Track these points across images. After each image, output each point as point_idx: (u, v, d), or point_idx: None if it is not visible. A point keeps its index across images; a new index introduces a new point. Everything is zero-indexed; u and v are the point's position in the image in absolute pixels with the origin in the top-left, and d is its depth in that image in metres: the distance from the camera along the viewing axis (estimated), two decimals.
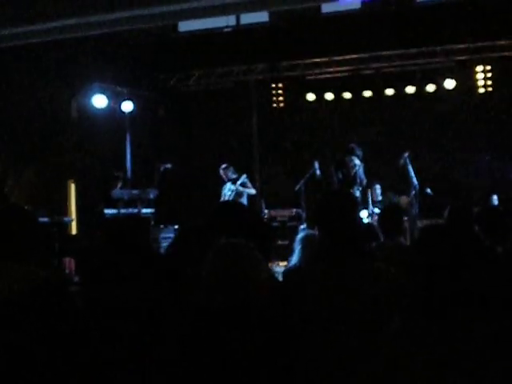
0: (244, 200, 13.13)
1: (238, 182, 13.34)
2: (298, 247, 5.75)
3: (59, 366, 3.22)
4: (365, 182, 12.58)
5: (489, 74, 15.19)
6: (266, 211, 14.17)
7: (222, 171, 13.54)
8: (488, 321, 2.30)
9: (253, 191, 13.59)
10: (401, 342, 2.40)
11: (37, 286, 3.26)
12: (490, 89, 15.19)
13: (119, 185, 13.60)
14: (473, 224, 5.29)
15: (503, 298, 2.44)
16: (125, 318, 3.68)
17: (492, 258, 2.63)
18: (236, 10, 11.85)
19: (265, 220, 4.39)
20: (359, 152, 12.71)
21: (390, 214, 5.89)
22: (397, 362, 2.36)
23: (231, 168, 13.58)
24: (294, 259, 5.78)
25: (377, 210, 12.72)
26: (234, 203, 6.48)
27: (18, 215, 3.53)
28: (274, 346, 2.81)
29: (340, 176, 12.63)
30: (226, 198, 13.30)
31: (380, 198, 13.47)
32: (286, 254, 8.63)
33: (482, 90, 15.27)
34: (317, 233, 6.10)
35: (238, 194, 13.27)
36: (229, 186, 13.47)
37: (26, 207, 3.84)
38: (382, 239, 5.85)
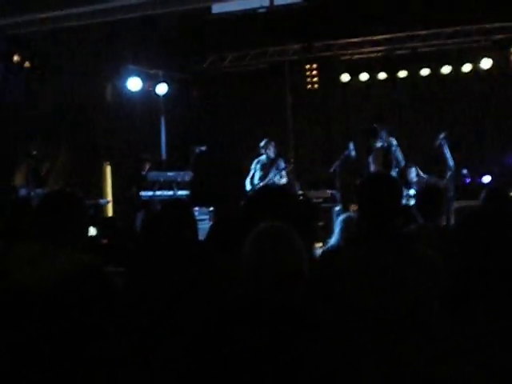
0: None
1: (277, 176, 13.23)
2: (337, 228, 5.76)
3: (104, 346, 3.27)
4: (403, 163, 12.47)
5: None
6: (300, 192, 14.15)
7: (271, 147, 13.39)
8: None
9: (284, 180, 13.43)
10: (439, 331, 2.38)
11: (83, 270, 3.30)
12: None
13: (147, 167, 13.65)
14: (509, 206, 5.25)
15: None
16: (161, 302, 3.71)
17: None
18: None
19: (310, 203, 4.35)
20: (384, 133, 12.57)
21: (429, 195, 5.81)
22: (435, 351, 2.35)
23: (273, 143, 13.48)
24: (333, 240, 5.78)
25: (412, 192, 12.64)
26: (277, 186, 6.48)
27: (70, 200, 3.56)
28: (309, 332, 2.79)
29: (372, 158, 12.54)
30: (257, 175, 13.19)
31: (415, 179, 13.37)
32: (321, 235, 8.63)
33: None
34: (356, 215, 6.11)
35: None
36: (263, 159, 13.38)
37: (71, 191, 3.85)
38: (418, 221, 5.81)
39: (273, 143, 13.43)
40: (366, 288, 3.28)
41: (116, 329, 3.39)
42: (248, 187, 13.43)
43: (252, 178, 13.39)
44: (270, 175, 13.16)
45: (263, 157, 13.40)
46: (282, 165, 13.32)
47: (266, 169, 13.32)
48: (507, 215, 2.38)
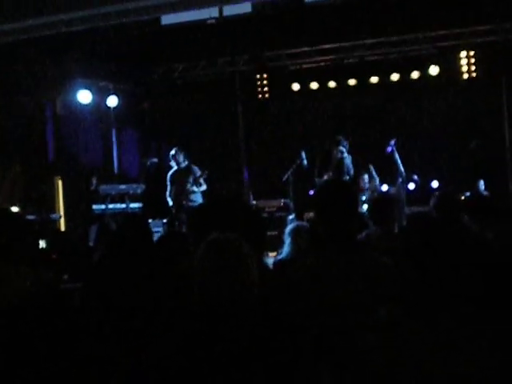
0: (198, 197, 12.61)
1: (201, 184, 12.75)
2: (288, 239, 5.77)
3: (64, 362, 3.24)
4: (352, 171, 12.58)
5: (472, 60, 15.23)
6: (253, 202, 14.15)
7: (181, 156, 12.79)
8: (476, 311, 2.30)
9: (204, 188, 12.88)
10: (388, 332, 2.40)
11: (39, 286, 3.27)
12: (473, 74, 15.24)
13: (95, 181, 13.55)
14: (460, 211, 5.32)
15: (491, 284, 2.45)
16: (122, 315, 3.68)
17: (480, 243, 2.64)
18: (219, 1, 11.84)
19: (258, 212, 4.28)
20: (345, 143, 12.63)
21: (380, 204, 5.91)
22: (384, 353, 2.37)
23: (182, 153, 12.92)
24: (285, 251, 5.80)
25: (364, 198, 12.76)
26: (227, 197, 6.46)
27: (7, 218, 3.52)
28: (267, 339, 2.81)
29: (325, 167, 12.59)
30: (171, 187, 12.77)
31: (367, 186, 13.49)
32: (274, 245, 8.66)
33: (465, 76, 15.31)
34: (306, 223, 6.15)
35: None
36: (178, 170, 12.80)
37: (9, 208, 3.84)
38: (370, 227, 5.87)
39: (183, 152, 12.87)
40: (322, 296, 3.29)
41: (76, 345, 3.35)
42: (170, 203, 12.77)
43: (170, 191, 12.78)
44: (188, 186, 12.63)
45: (174, 167, 12.83)
46: (198, 172, 12.74)
47: (181, 179, 12.72)
48: (456, 220, 2.41)
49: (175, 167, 12.82)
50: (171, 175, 12.84)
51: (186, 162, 12.88)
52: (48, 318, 3.23)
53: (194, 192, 12.62)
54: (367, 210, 6.53)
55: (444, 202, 5.58)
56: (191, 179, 12.66)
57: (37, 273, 3.37)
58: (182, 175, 12.74)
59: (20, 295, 3.22)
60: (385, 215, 5.73)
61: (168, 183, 12.83)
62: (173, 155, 12.83)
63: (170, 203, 12.77)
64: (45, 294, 3.27)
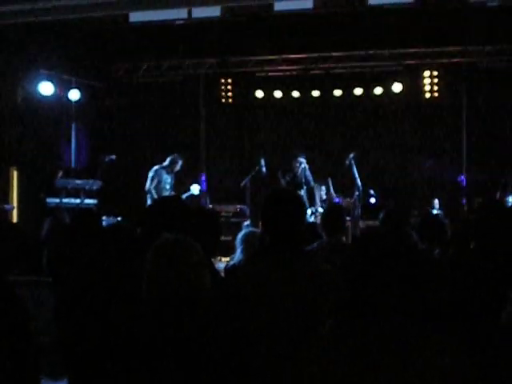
0: None
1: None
2: (239, 245, 5.78)
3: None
4: (312, 182, 12.60)
5: (435, 80, 15.42)
6: (210, 206, 14.14)
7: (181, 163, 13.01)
8: (417, 324, 2.32)
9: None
10: (330, 344, 2.41)
11: None
12: (435, 94, 15.43)
13: (60, 174, 13.44)
14: (404, 226, 5.41)
15: (434, 299, 2.48)
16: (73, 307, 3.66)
17: (425, 260, 2.66)
18: (188, 3, 11.82)
19: (213, 216, 4.23)
20: (302, 158, 12.63)
21: (331, 213, 5.95)
22: (325, 363, 2.38)
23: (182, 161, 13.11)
24: (237, 257, 5.81)
25: (320, 210, 12.80)
26: (179, 198, 6.43)
27: None
28: (212, 343, 2.82)
29: (287, 179, 12.61)
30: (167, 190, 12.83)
31: (325, 197, 13.56)
32: (228, 250, 8.66)
33: (428, 95, 15.49)
34: (259, 230, 6.16)
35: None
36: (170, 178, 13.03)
37: None
38: (323, 238, 5.90)
39: (182, 160, 13.03)
40: (266, 305, 3.30)
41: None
42: (153, 196, 12.71)
43: (157, 187, 12.79)
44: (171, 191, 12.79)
45: (168, 172, 12.92)
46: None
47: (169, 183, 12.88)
48: (402, 235, 2.43)
49: (164, 166, 12.85)
50: (158, 172, 12.84)
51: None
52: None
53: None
54: (320, 220, 6.58)
55: (389, 217, 5.65)
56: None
57: None
58: (171, 179, 12.88)
59: None
60: (335, 225, 5.78)
61: (153, 177, 12.83)
62: (173, 161, 12.85)
63: (154, 196, 12.61)
64: None
